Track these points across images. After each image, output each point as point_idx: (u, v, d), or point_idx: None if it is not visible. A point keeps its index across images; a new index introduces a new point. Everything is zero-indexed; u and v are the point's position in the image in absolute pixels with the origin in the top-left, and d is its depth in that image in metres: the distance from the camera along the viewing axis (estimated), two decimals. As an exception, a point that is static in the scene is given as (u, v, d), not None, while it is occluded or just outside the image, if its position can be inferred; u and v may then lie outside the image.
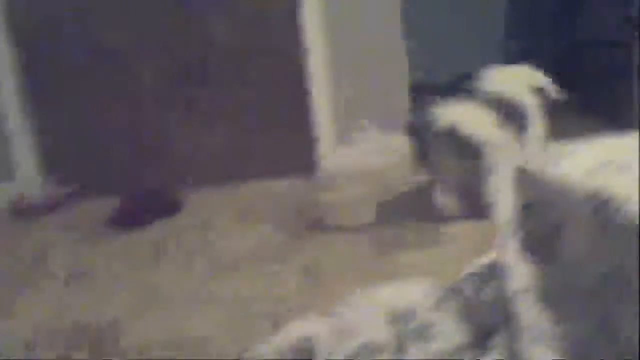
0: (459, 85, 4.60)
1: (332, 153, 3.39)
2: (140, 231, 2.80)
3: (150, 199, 2.99)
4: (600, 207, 1.29)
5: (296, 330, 1.73)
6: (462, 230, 2.54)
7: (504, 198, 1.57)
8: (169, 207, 2.98)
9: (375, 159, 3.39)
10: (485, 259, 1.94)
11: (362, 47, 3.30)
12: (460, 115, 2.73)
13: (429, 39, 4.99)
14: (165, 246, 2.62)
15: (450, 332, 1.71)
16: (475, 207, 2.20)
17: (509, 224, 1.54)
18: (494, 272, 1.72)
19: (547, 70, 4.69)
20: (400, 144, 3.39)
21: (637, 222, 1.21)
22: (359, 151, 3.41)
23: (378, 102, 3.40)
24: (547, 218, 1.44)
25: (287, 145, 3.39)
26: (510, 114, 2.81)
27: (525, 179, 1.54)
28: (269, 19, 3.29)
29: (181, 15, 3.23)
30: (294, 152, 3.40)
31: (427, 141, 2.75)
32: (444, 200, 2.74)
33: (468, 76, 4.87)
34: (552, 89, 3.08)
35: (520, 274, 1.56)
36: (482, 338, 1.65)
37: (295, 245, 2.50)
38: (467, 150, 2.64)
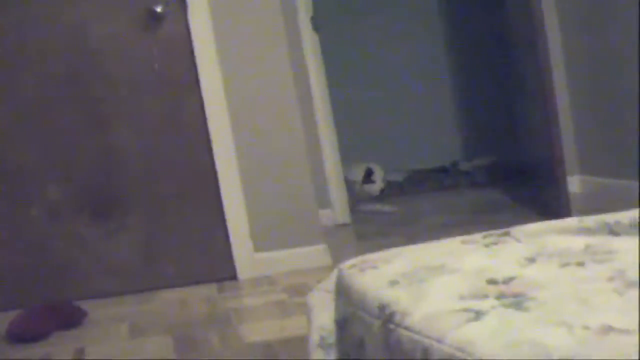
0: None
1: (250, 259, 3.32)
2: (34, 346, 2.69)
3: (50, 313, 2.89)
4: (386, 321, 1.19)
5: None
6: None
7: (318, 312, 1.47)
8: (69, 321, 2.88)
9: (295, 264, 3.34)
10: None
11: (271, 159, 3.39)
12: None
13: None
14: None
15: None
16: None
17: (323, 338, 1.44)
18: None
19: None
20: (318, 250, 3.38)
21: (416, 337, 1.11)
22: (277, 256, 3.35)
23: (290, 210, 3.41)
24: (355, 332, 1.34)
25: (203, 253, 3.33)
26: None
27: (340, 291, 1.44)
28: (181, 133, 3.33)
29: (88, 127, 3.27)
30: (210, 260, 3.34)
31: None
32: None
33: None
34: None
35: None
36: None
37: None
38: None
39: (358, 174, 4.66)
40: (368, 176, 4.67)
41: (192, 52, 3.28)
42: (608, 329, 0.92)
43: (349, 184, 4.62)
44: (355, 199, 4.54)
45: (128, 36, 3.27)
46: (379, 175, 4.71)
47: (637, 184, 3.87)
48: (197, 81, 3.29)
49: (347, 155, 4.65)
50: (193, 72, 3.28)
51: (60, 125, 3.23)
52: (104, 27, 3.26)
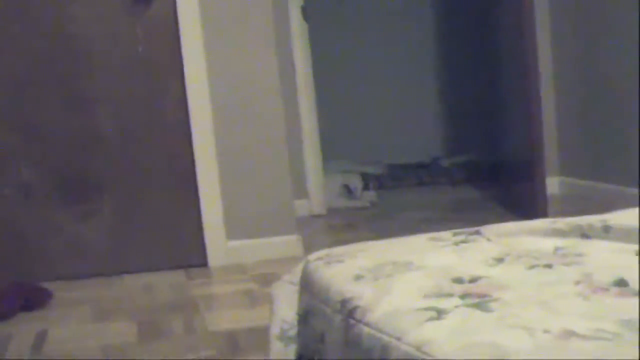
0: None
1: (222, 246, 3.30)
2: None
3: (14, 293, 2.86)
4: (347, 316, 1.17)
5: None
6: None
7: (280, 304, 1.45)
8: (33, 301, 2.85)
9: (267, 253, 3.32)
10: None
11: (250, 147, 3.37)
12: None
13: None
14: (8, 342, 2.46)
15: None
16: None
17: (283, 330, 1.42)
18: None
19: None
20: (290, 240, 3.36)
21: (376, 334, 1.09)
22: (250, 245, 3.33)
23: (266, 199, 3.39)
24: (316, 326, 1.32)
25: (174, 239, 3.30)
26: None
27: (305, 283, 1.42)
28: (161, 117, 3.30)
29: (65, 109, 3.24)
30: (181, 246, 3.31)
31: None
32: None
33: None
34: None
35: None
36: None
37: (141, 347, 2.35)
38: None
39: (359, 181, 4.76)
40: (367, 184, 4.82)
41: (177, 35, 3.25)
42: (569, 334, 0.91)
43: (347, 191, 4.67)
44: (355, 206, 4.61)
45: (112, 17, 3.23)
46: (371, 184, 4.87)
47: (616, 187, 3.89)
48: (180, 65, 3.25)
49: (327, 146, 4.65)
50: (177, 55, 3.25)
51: (38, 106, 3.20)
52: (88, 7, 3.22)
